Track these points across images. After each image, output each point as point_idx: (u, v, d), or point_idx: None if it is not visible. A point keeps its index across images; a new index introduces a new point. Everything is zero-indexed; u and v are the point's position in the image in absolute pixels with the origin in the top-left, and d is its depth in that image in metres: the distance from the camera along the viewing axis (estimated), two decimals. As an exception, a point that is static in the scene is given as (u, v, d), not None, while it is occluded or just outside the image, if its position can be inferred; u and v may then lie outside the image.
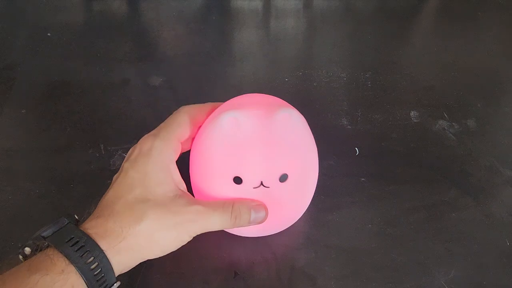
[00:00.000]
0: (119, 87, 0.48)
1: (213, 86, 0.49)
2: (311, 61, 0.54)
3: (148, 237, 0.27)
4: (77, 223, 0.27)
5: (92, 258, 0.25)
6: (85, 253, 0.25)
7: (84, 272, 0.24)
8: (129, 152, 0.31)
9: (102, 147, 0.42)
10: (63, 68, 0.50)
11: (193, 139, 0.33)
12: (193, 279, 0.34)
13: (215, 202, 0.30)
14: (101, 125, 0.44)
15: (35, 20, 0.57)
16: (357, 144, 0.44)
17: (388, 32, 0.58)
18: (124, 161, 0.31)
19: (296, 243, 0.37)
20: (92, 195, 0.37)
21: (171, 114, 0.33)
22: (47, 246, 0.26)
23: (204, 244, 0.36)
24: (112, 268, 0.26)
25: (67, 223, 0.27)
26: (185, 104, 0.34)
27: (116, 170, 0.31)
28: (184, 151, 0.34)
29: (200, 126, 0.33)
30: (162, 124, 0.32)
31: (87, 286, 0.25)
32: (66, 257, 0.24)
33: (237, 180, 0.30)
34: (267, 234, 0.35)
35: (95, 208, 0.29)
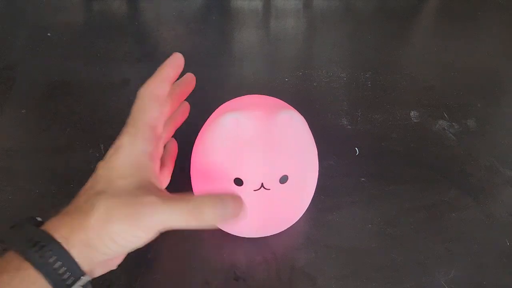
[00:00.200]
0: (119, 87, 0.48)
1: (213, 86, 0.49)
2: (311, 61, 0.54)
3: (100, 230, 0.25)
4: (40, 224, 0.26)
5: (49, 251, 0.24)
6: (41, 248, 0.24)
7: (41, 267, 0.24)
8: None
9: (102, 147, 0.42)
10: (63, 68, 0.50)
11: (174, 108, 0.32)
12: (193, 279, 0.34)
13: (176, 195, 0.27)
14: (101, 125, 0.44)
15: (35, 20, 0.57)
16: (357, 144, 0.44)
17: (388, 32, 0.58)
18: None
19: (296, 243, 0.37)
20: (92, 195, 0.37)
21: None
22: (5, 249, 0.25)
23: (204, 244, 0.36)
24: (74, 260, 0.24)
25: (23, 223, 0.26)
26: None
27: (116, 170, 0.31)
28: (180, 123, 0.33)
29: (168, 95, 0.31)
30: (129, 118, 0.30)
31: (47, 280, 0.24)
32: (20, 254, 0.24)
33: (238, 182, 0.30)
34: (267, 235, 0.35)
35: None
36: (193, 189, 0.34)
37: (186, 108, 0.35)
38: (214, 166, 0.30)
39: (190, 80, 0.33)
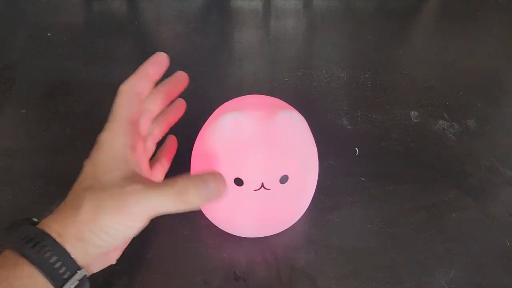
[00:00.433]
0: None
1: (213, 86, 0.49)
2: (311, 61, 0.54)
3: (91, 222, 0.25)
4: (36, 224, 0.27)
5: (44, 247, 0.24)
6: (36, 244, 0.24)
7: (37, 262, 0.24)
8: None
9: (102, 147, 0.42)
10: (63, 68, 0.50)
11: (164, 105, 0.32)
12: (193, 279, 0.34)
13: (161, 182, 0.28)
14: (101, 125, 0.44)
15: (35, 20, 0.57)
16: (357, 144, 0.44)
17: (388, 32, 0.58)
18: None
19: (296, 243, 0.37)
20: (92, 195, 0.37)
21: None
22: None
23: (204, 244, 0.36)
24: (69, 255, 0.25)
25: (17, 222, 0.26)
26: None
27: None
28: (174, 121, 0.33)
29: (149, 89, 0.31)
30: (110, 115, 0.31)
31: (44, 274, 0.24)
32: (17, 250, 0.24)
33: (238, 182, 0.30)
34: (267, 235, 0.35)
35: None
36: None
37: (181, 105, 0.35)
38: (214, 166, 0.30)
39: (181, 78, 0.33)
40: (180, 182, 0.26)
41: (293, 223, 0.35)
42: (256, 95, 0.35)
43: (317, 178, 0.34)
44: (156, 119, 0.32)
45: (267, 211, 0.31)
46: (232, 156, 0.29)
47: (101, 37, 0.54)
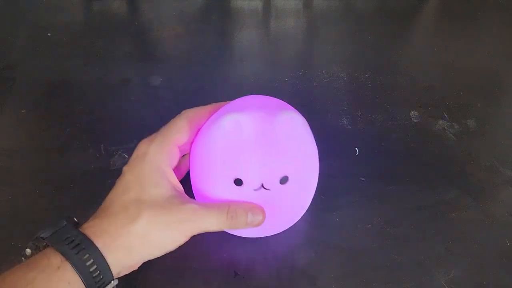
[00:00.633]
0: (119, 87, 0.48)
1: (213, 86, 0.49)
2: (311, 61, 0.54)
3: (144, 236, 0.27)
4: (76, 225, 0.28)
5: (87, 255, 0.25)
6: (80, 250, 0.25)
7: (79, 268, 0.25)
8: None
9: (102, 147, 0.42)
10: (63, 68, 0.50)
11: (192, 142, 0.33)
12: (193, 279, 0.34)
13: (211, 203, 0.30)
14: (101, 125, 0.44)
15: (35, 20, 0.57)
16: (357, 144, 0.44)
17: (388, 32, 0.58)
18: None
19: (296, 243, 0.37)
20: (92, 195, 0.37)
21: (173, 116, 0.33)
22: (45, 246, 0.26)
23: (204, 244, 0.36)
24: (108, 265, 0.26)
25: (65, 224, 0.27)
26: (185, 104, 0.34)
27: (116, 170, 0.31)
28: (184, 153, 0.34)
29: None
30: (161, 129, 0.32)
31: (83, 281, 0.25)
32: (62, 254, 0.25)
33: (238, 182, 0.30)
34: (267, 235, 0.35)
35: (97, 208, 0.29)
36: (193, 189, 0.33)
37: None
38: (214, 166, 0.30)
39: None
40: (233, 208, 0.29)
41: (293, 223, 0.35)
42: (256, 95, 0.35)
43: (317, 179, 0.34)
44: None
45: (267, 212, 0.31)
46: (232, 156, 0.29)
47: (101, 37, 0.54)
